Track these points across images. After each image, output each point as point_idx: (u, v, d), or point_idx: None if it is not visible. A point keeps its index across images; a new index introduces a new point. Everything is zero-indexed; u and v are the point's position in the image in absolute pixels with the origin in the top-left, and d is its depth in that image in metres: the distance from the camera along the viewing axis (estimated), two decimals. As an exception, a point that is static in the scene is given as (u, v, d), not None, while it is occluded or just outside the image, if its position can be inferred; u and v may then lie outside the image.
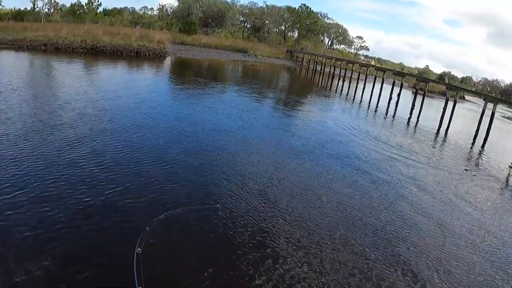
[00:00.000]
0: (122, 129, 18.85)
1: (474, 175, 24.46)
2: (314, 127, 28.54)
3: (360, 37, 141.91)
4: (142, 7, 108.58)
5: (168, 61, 53.02)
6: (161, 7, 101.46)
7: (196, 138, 19.78)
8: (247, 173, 16.17)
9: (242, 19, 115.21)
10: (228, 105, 30.32)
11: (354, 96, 56.02)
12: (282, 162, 18.43)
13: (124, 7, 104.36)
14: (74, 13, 78.38)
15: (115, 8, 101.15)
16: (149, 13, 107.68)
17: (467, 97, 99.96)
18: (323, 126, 29.72)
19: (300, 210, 13.47)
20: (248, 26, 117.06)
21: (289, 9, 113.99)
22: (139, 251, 9.33)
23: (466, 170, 25.69)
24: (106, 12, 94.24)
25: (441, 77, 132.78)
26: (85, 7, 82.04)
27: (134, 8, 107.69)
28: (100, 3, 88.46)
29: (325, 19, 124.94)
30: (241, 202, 13.31)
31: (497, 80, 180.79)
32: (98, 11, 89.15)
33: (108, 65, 40.43)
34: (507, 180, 25.63)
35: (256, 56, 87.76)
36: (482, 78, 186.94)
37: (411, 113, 46.69)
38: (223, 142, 20.02)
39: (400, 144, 28.64)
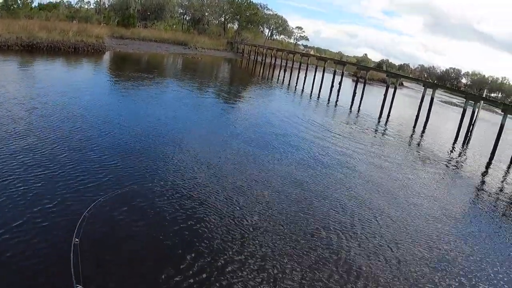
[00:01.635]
0: (61, 125, 17.56)
1: (416, 157, 25.39)
2: (257, 118, 28.40)
3: (300, 28, 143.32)
4: (79, 1, 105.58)
5: (107, 56, 51.69)
6: (98, 0, 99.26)
7: (132, 130, 18.80)
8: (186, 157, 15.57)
9: (181, 11, 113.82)
10: (169, 101, 29.54)
11: (296, 86, 56.53)
12: (221, 151, 17.93)
13: (60, 1, 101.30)
14: (8, 8, 75.51)
15: (50, 2, 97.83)
16: (86, 6, 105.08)
17: (405, 83, 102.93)
18: (265, 116, 29.60)
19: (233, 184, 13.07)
20: (187, 18, 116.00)
21: (229, 0, 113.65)
22: (76, 241, 8.65)
23: (409, 151, 26.68)
24: (41, 7, 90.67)
25: (379, 65, 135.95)
26: (19, 1, 79.02)
27: (70, 2, 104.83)
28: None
29: (265, 10, 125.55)
30: (183, 186, 12.85)
31: (433, 66, 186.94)
32: (33, 5, 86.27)
33: (46, 63, 38.68)
34: (449, 161, 26.84)
35: (196, 48, 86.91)
36: (418, 65, 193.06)
37: (353, 100, 47.50)
38: (159, 133, 19.27)
39: (345, 130, 29.04)
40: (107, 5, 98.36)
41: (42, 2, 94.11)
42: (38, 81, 28.15)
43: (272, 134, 23.63)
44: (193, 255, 9.63)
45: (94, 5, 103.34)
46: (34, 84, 26.74)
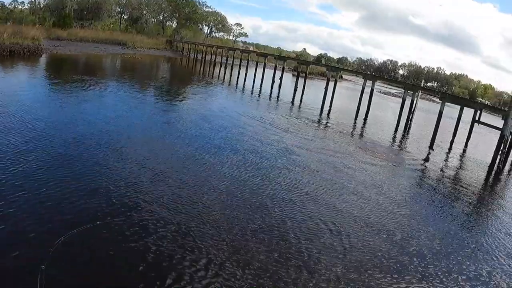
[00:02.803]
0: None
1: (359, 146, 25.87)
2: (200, 117, 27.63)
3: (239, 24, 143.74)
4: (12, 1, 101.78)
5: (44, 59, 49.73)
6: (33, 0, 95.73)
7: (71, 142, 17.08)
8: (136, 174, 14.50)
9: (119, 10, 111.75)
10: (110, 104, 27.42)
11: (237, 82, 56.46)
12: (163, 157, 17.26)
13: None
14: None
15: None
16: (20, 7, 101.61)
17: (344, 76, 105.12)
18: (208, 115, 28.82)
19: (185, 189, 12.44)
20: (125, 17, 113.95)
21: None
22: None
23: (352, 142, 27.23)
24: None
25: (318, 59, 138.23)
26: None
27: (3, 3, 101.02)
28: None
29: (204, 7, 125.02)
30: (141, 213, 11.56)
31: (371, 59, 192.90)
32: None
33: None
34: (391, 149, 27.65)
35: (135, 48, 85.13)
36: (357, 58, 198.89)
37: (294, 95, 48.03)
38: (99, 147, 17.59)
39: (287, 125, 28.96)
40: (42, 5, 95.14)
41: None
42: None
43: (216, 132, 23.05)
44: None
45: (28, 5, 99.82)
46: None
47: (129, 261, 9.33)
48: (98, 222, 10.56)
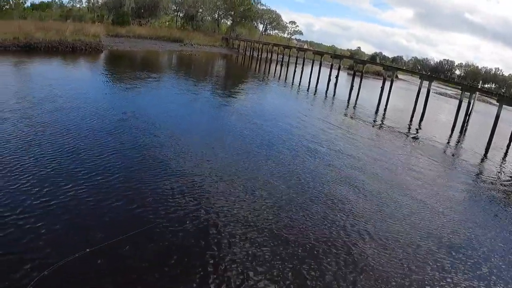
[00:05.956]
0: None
1: (416, 146, 26.12)
2: (260, 114, 28.70)
3: (293, 22, 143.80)
4: (70, 0, 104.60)
5: (105, 55, 51.33)
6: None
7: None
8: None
9: (175, 7, 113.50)
10: (175, 99, 29.52)
11: (293, 80, 56.98)
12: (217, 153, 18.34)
13: (52, 0, 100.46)
14: (0, 9, 74.56)
15: (42, 2, 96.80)
16: (78, 5, 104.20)
17: (399, 76, 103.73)
18: (271, 112, 30.04)
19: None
20: (181, 15, 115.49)
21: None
22: None
23: (409, 142, 27.34)
24: (34, 7, 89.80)
25: (373, 58, 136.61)
26: (11, 2, 77.80)
27: (62, 1, 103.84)
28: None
29: (259, 5, 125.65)
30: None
31: (426, 58, 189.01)
32: (25, 5, 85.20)
33: (46, 63, 37.80)
34: (444, 151, 27.72)
35: (192, 45, 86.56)
36: (412, 57, 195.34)
37: (350, 93, 48.52)
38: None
39: (345, 123, 29.73)
40: (100, 4, 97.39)
41: (34, 2, 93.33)
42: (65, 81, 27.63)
43: (278, 130, 23.82)
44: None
45: (86, 3, 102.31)
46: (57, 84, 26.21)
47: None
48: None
